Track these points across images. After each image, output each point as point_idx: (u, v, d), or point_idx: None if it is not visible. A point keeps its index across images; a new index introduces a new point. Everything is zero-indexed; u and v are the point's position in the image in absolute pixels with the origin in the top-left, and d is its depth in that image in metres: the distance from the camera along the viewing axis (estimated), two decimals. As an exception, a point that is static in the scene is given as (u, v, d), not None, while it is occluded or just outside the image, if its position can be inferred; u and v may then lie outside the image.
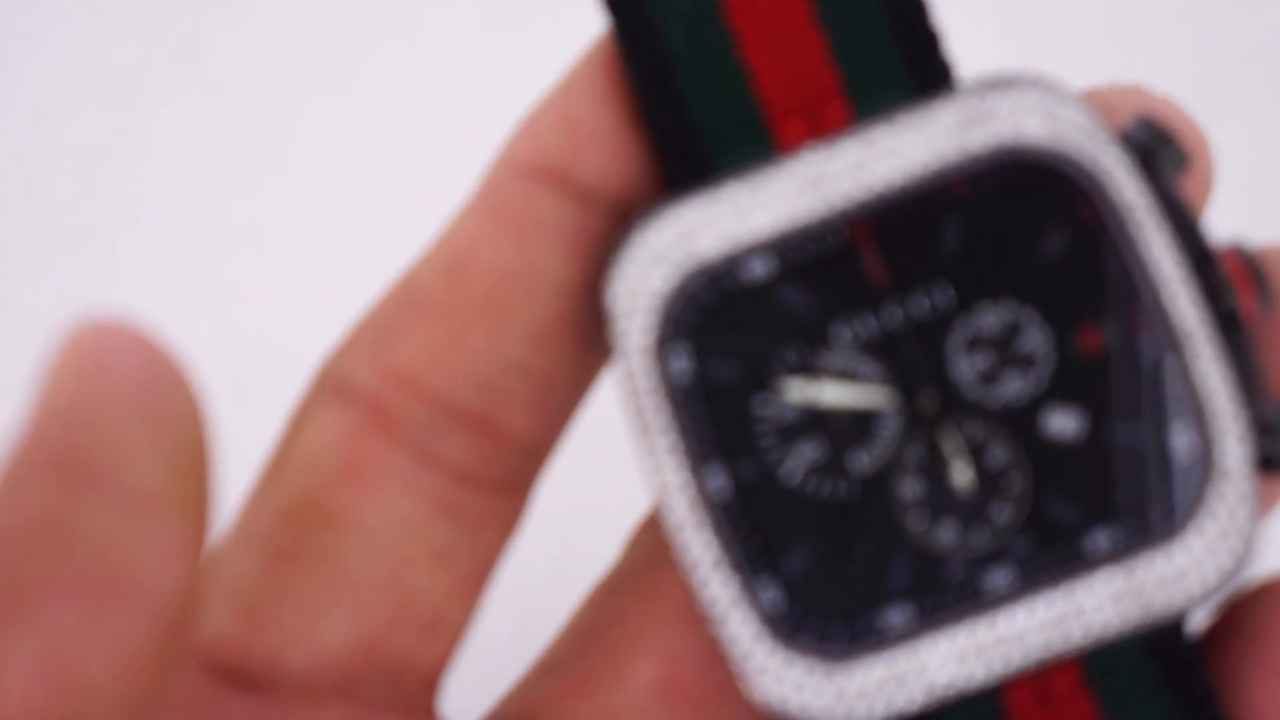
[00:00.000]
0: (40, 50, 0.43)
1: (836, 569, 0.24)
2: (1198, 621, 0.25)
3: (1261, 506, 0.25)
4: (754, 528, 0.24)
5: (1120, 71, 0.41)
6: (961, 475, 0.24)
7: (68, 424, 0.19)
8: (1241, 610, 0.25)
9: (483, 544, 0.25)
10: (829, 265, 0.24)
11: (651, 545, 0.26)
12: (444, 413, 0.24)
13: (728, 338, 0.24)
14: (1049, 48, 0.42)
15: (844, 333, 0.24)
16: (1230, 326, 0.24)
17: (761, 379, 0.24)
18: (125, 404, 0.19)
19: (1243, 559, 0.23)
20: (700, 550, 0.24)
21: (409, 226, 0.38)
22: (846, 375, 0.24)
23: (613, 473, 0.34)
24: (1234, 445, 0.23)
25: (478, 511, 0.25)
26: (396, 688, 0.25)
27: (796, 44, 0.24)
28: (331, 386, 0.25)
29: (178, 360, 0.20)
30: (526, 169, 0.24)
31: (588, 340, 0.25)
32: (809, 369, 0.24)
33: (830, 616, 0.24)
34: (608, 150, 0.24)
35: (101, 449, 0.19)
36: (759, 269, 0.24)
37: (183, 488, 0.19)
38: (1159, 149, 0.24)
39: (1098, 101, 0.25)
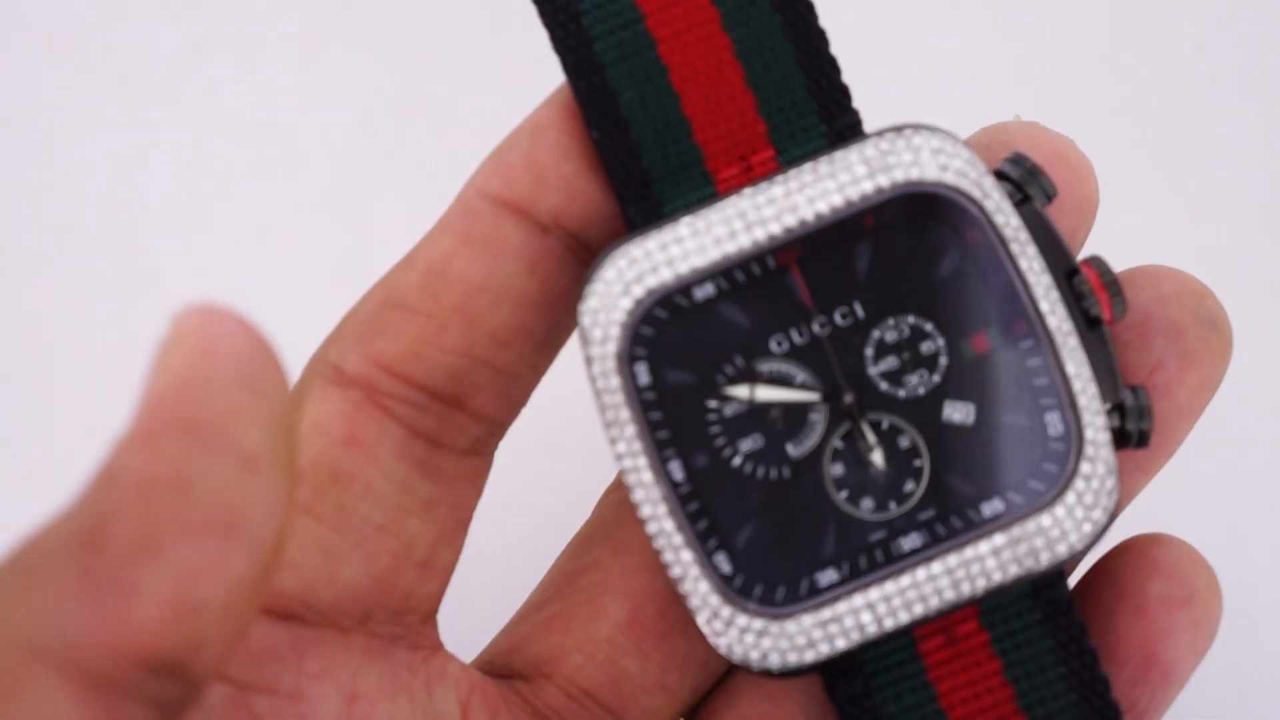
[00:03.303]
0: (40, 50, 0.44)
1: (777, 540, 0.29)
2: (1073, 578, 0.30)
3: (1138, 477, 0.30)
4: (706, 509, 0.28)
5: (1120, 71, 0.43)
6: (876, 458, 0.29)
7: (186, 391, 0.22)
8: (1107, 566, 0.30)
9: (458, 497, 0.30)
10: (763, 288, 0.29)
11: (618, 505, 0.31)
12: (423, 394, 0.29)
13: (680, 350, 0.29)
14: (1054, 49, 0.43)
15: (777, 343, 0.29)
16: (1092, 326, 0.29)
17: (710, 383, 0.29)
18: (233, 375, 0.22)
19: (1109, 516, 0.28)
20: (665, 529, 0.28)
21: (404, 228, 0.40)
22: (781, 378, 0.29)
23: (582, 447, 0.38)
24: (1099, 424, 0.28)
25: (452, 471, 0.29)
26: (402, 620, 0.29)
27: (730, 102, 0.29)
28: (325, 373, 0.29)
29: (269, 339, 0.23)
30: (496, 201, 0.29)
31: (541, 342, 0.30)
32: (750, 374, 0.29)
33: (773, 580, 0.29)
34: (565, 191, 0.29)
35: (215, 413, 0.22)
36: (704, 293, 0.29)
37: (279, 448, 0.22)
38: (1029, 181, 0.29)
39: (998, 135, 0.30)
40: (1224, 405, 0.38)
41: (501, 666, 0.31)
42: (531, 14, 0.30)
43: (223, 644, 0.22)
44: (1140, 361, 0.30)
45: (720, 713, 0.31)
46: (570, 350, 0.31)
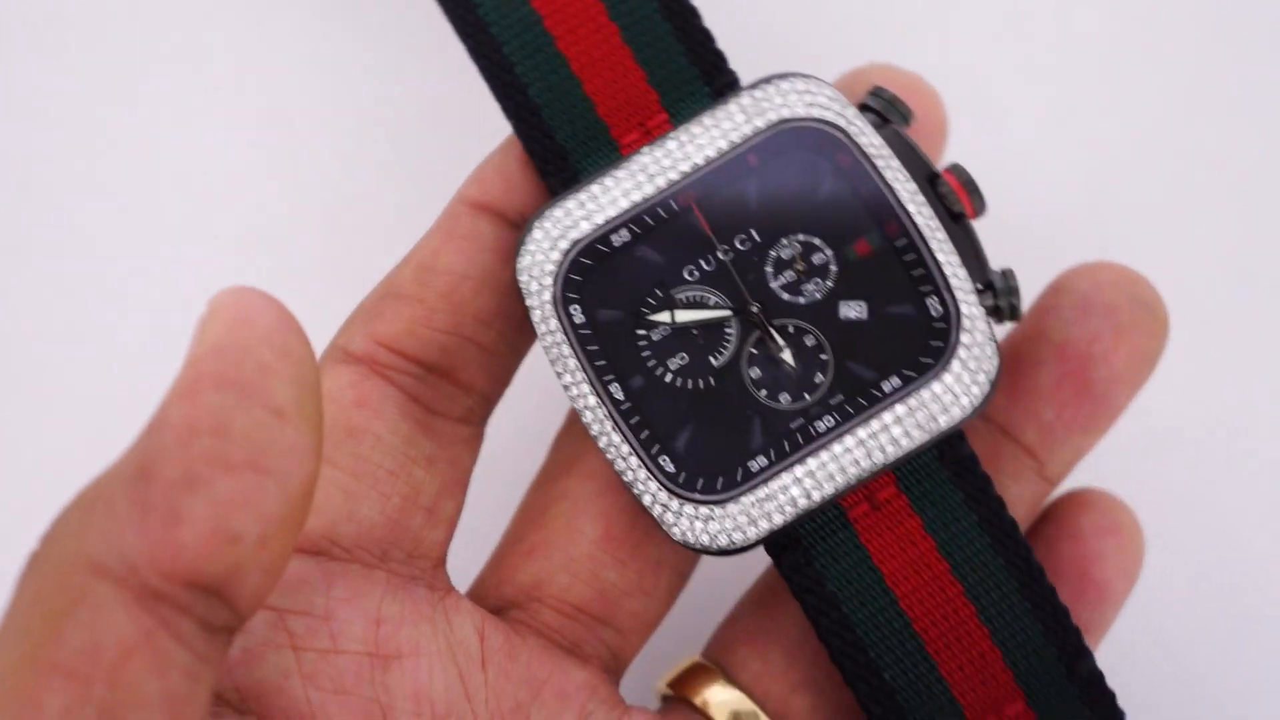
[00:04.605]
0: (40, 51, 0.44)
1: (711, 439, 0.33)
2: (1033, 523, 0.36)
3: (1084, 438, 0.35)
4: (647, 421, 0.33)
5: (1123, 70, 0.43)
6: (786, 356, 0.33)
7: (223, 354, 0.25)
8: (1049, 511, 0.36)
9: (455, 456, 0.34)
10: (670, 227, 0.33)
11: (573, 441, 0.35)
12: (419, 367, 0.33)
13: (607, 290, 0.33)
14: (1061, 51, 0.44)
15: (689, 272, 0.34)
16: (956, 220, 0.33)
17: (636, 314, 0.34)
18: (262, 341, 0.26)
19: (991, 380, 0.32)
20: (615, 443, 0.33)
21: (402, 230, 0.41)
22: (696, 302, 0.34)
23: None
24: (971, 300, 0.33)
25: (448, 434, 0.34)
26: (416, 563, 0.33)
27: (623, 79, 0.34)
28: (334, 356, 0.33)
29: (293, 315, 0.26)
30: (473, 204, 0.34)
31: (520, 323, 0.34)
32: (669, 302, 0.34)
33: (711, 472, 0.33)
34: (532, 193, 0.34)
35: (247, 371, 0.25)
36: (621, 238, 0.33)
37: (305, 403, 0.26)
38: (888, 109, 0.34)
39: (860, 77, 0.35)
40: (1225, 406, 0.42)
41: (494, 599, 0.35)
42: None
43: (261, 574, 0.26)
44: (1081, 335, 0.35)
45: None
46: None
